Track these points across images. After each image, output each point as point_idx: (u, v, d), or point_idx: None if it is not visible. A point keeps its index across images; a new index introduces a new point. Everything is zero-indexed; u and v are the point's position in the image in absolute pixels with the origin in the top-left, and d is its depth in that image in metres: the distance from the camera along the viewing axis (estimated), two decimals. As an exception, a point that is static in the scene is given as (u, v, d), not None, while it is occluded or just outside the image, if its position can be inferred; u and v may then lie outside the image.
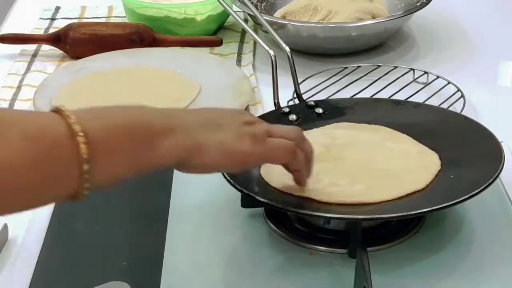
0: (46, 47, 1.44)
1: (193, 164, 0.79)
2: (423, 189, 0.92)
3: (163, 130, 0.77)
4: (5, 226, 0.96)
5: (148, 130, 0.76)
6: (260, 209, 0.96)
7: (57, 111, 0.72)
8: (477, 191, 0.88)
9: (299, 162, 0.87)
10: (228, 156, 0.81)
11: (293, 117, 1.07)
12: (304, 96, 1.22)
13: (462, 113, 1.17)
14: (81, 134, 0.70)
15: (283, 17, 1.43)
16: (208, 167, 0.81)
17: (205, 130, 0.80)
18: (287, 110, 1.09)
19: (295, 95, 1.17)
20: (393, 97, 1.22)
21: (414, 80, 1.29)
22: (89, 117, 0.72)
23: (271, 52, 1.12)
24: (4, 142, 0.67)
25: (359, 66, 1.33)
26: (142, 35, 1.41)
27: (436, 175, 0.94)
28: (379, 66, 1.33)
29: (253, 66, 1.37)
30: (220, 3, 1.19)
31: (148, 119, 0.77)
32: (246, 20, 1.52)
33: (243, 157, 0.82)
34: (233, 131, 0.82)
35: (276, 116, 1.07)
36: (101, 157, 0.71)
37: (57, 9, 1.61)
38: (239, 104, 1.21)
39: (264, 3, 1.50)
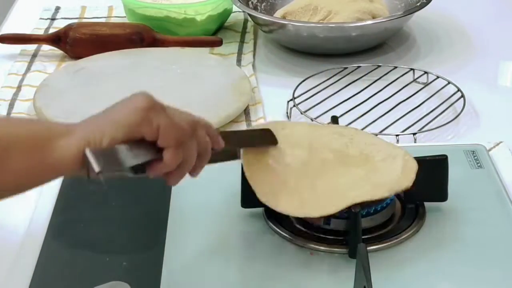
0: (46, 47, 1.44)
1: None
2: None
3: (62, 132, 0.77)
4: None
5: (47, 131, 0.77)
6: (260, 209, 0.96)
7: None
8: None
9: (190, 150, 0.81)
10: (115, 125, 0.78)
11: None
12: (304, 96, 1.22)
13: (462, 113, 1.18)
14: None
15: (283, 17, 1.43)
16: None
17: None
18: None
19: (295, 95, 1.17)
20: (393, 97, 1.22)
21: (414, 80, 1.29)
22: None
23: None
24: None
25: (359, 66, 1.33)
26: (142, 35, 1.41)
27: None
28: (379, 66, 1.33)
29: (253, 66, 1.37)
30: None
31: (48, 124, 0.82)
32: (246, 20, 1.52)
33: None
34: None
35: None
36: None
37: (57, 9, 1.61)
38: (239, 104, 1.21)
39: (264, 3, 1.50)
